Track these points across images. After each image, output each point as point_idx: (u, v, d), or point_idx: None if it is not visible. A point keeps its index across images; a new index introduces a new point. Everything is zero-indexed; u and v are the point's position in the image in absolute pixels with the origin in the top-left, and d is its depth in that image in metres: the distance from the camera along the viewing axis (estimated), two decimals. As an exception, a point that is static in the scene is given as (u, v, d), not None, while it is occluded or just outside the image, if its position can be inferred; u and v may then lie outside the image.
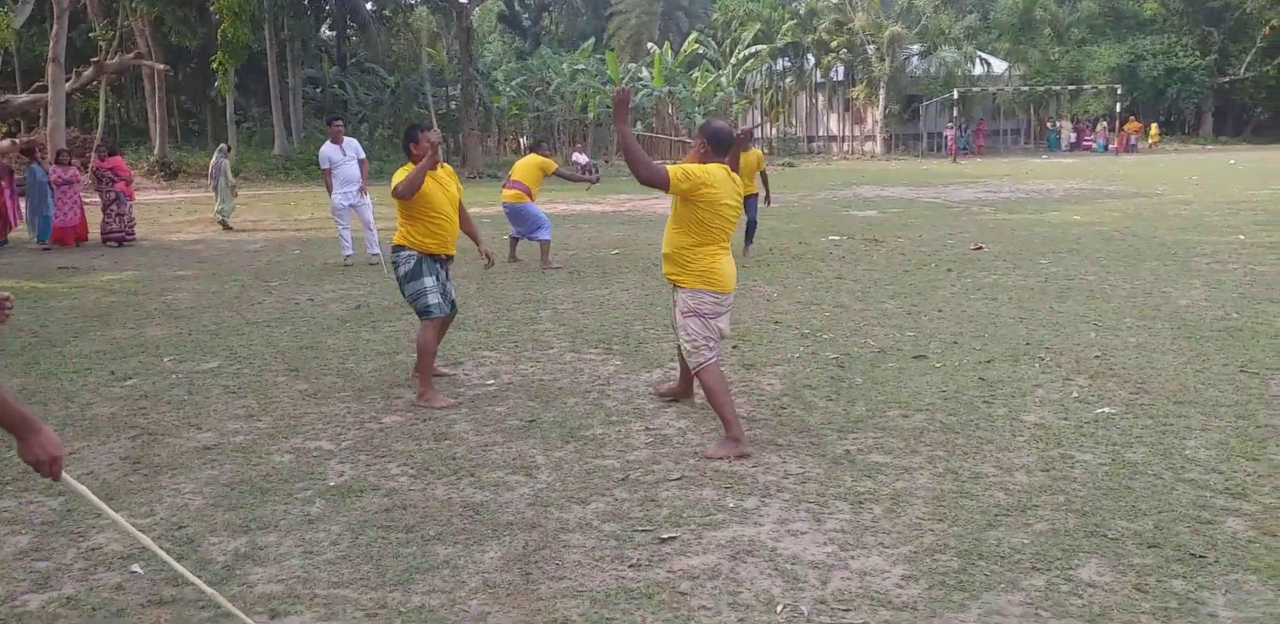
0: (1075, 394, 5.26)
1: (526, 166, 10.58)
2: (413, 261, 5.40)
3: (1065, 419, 4.83)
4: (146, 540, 2.24)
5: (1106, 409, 4.96)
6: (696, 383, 5.03)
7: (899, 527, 3.60)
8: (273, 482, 4.19)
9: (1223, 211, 14.83)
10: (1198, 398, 5.12)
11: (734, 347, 6.56)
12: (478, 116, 34.67)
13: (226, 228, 15.76)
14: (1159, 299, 7.90)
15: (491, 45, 60.12)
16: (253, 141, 33.30)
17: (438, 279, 5.47)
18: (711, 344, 4.62)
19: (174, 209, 19.57)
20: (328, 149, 10.80)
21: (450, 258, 5.60)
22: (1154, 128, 41.25)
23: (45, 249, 13.42)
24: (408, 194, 5.29)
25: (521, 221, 10.62)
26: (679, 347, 5.03)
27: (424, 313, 5.42)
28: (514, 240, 10.95)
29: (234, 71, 27.33)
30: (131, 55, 26.01)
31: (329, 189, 10.91)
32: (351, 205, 10.81)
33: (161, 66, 25.86)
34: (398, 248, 5.48)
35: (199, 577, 3.26)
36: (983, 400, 5.18)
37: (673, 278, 4.73)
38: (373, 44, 40.53)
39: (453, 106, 36.59)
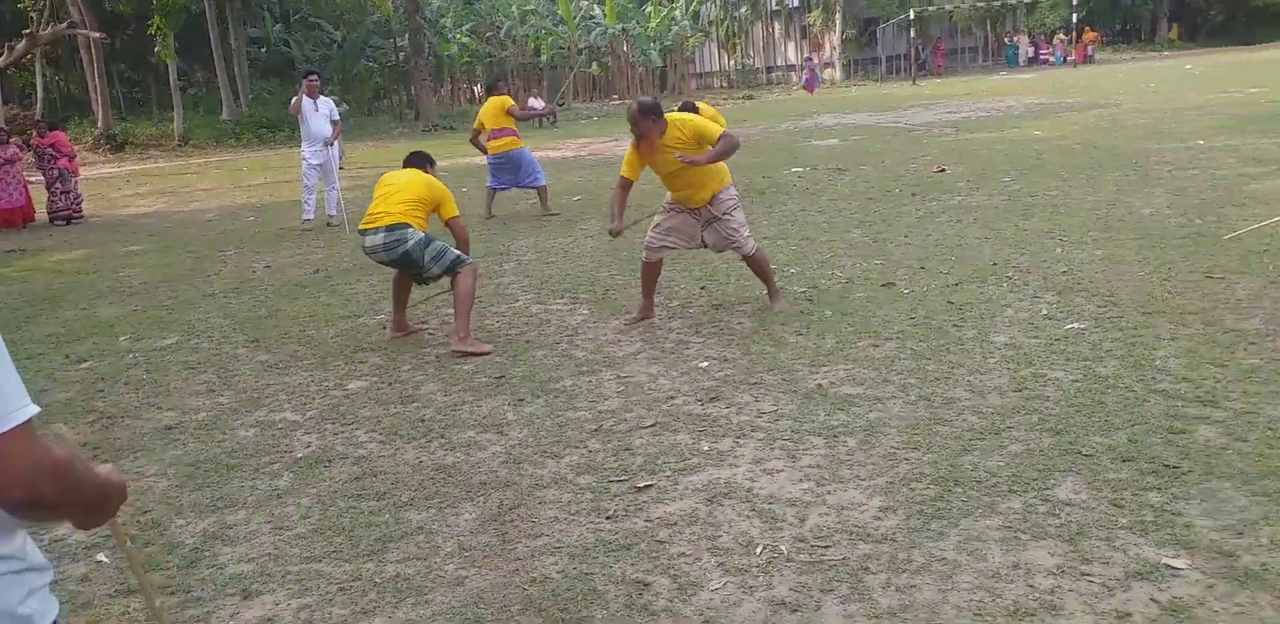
0: (1044, 311, 5.23)
1: (495, 111, 10.06)
2: (421, 233, 5.45)
3: (1035, 337, 4.81)
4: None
5: (1076, 324, 4.94)
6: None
7: (874, 458, 3.57)
8: (238, 458, 4.10)
9: (1181, 118, 14.75)
10: (1165, 307, 5.10)
11: (702, 287, 6.49)
12: (429, 66, 33.86)
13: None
14: (1122, 210, 7.86)
15: (436, -9, 58.54)
16: (199, 108, 32.40)
17: None
18: None
19: (123, 183, 19.08)
20: (302, 101, 10.46)
21: None
22: (1087, 33, 40.09)
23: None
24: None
25: (517, 169, 10.16)
26: (647, 267, 5.73)
27: (458, 262, 5.47)
28: (492, 193, 10.48)
29: (174, 36, 26.49)
30: (64, 25, 25.10)
31: (304, 138, 10.55)
32: (320, 165, 10.53)
33: (97, 35, 24.96)
34: (399, 226, 5.38)
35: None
36: (952, 324, 5.14)
37: (713, 191, 5.54)
38: (314, -2, 39.33)
39: (402, 58, 35.70)
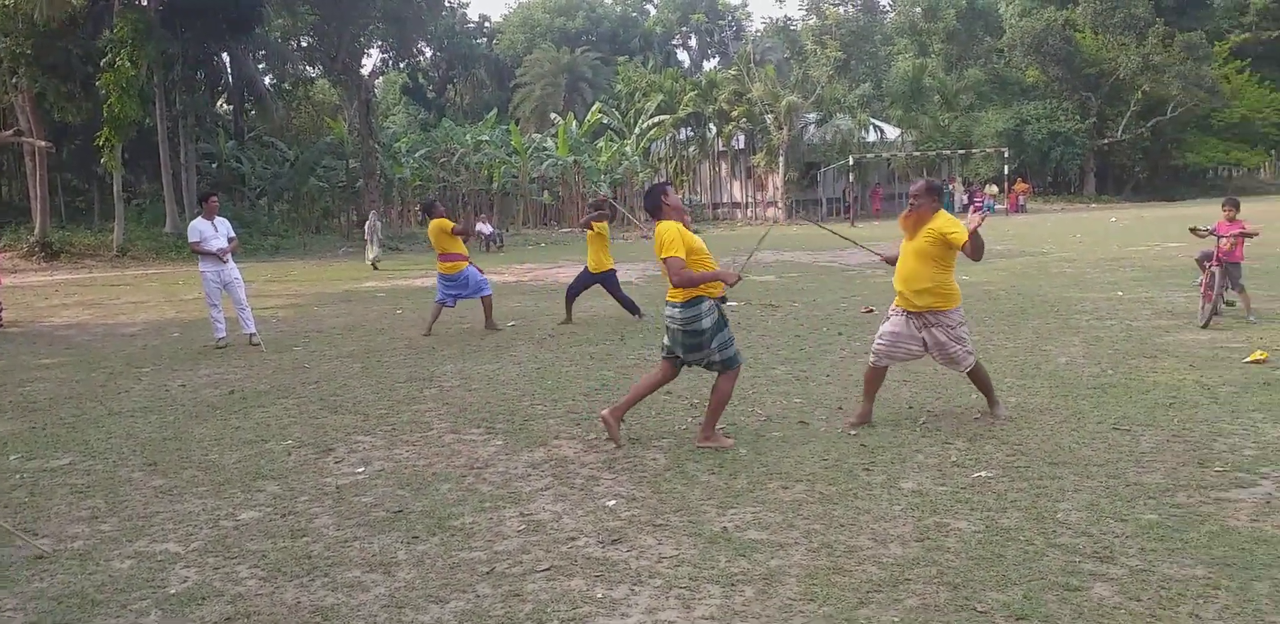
0: (954, 458, 5.25)
1: (441, 235, 10.92)
2: (715, 312, 5.46)
3: (943, 485, 4.80)
4: None
5: (983, 473, 4.96)
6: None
7: (769, 610, 3.47)
8: (106, 592, 3.87)
9: (1103, 268, 15.41)
10: (1071, 458, 5.15)
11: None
12: (379, 188, 34.40)
13: (376, 268, 21.65)
14: (1039, 357, 8.05)
15: (396, 117, 60.26)
16: (143, 219, 32.27)
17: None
18: None
19: (51, 292, 18.72)
20: (199, 223, 10.41)
21: (725, 299, 5.69)
22: (1019, 183, 42.21)
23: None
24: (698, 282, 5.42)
25: (464, 285, 10.97)
26: (874, 371, 6.01)
27: (732, 363, 5.56)
28: (439, 310, 11.13)
29: (123, 147, 26.66)
30: (10, 132, 25.17)
31: (203, 255, 10.44)
32: (224, 284, 10.45)
33: (43, 144, 24.97)
34: (691, 303, 5.41)
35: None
36: (863, 468, 5.13)
37: (936, 306, 5.82)
38: (271, 117, 40.11)
39: (352, 178, 36.26)
